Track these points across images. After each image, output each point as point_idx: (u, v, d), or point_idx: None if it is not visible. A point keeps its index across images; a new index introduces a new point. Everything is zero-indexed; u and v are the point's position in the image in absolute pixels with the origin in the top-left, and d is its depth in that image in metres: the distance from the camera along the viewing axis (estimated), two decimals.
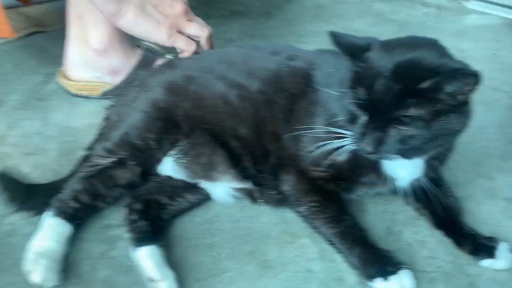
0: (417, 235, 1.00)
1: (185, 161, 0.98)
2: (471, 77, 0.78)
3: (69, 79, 1.36)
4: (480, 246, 0.94)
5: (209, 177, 1.00)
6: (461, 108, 0.83)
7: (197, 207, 1.03)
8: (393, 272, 0.86)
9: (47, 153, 1.16)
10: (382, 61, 0.79)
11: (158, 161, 0.99)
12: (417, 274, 0.89)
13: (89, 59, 1.30)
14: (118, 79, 1.32)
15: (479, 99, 1.48)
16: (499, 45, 1.91)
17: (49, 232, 0.87)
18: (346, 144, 0.85)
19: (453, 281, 0.90)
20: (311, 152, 0.91)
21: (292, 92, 0.97)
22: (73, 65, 1.33)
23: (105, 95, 1.34)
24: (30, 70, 1.51)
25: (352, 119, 0.84)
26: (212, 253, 0.93)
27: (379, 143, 0.80)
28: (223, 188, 1.01)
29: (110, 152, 0.95)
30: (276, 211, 1.03)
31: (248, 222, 1.00)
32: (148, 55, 1.33)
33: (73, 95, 1.38)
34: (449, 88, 0.77)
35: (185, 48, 1.15)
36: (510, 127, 1.38)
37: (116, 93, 1.23)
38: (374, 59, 0.80)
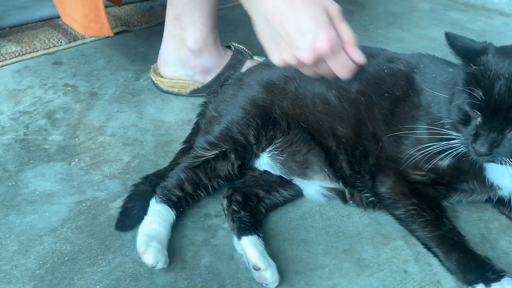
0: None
1: (281, 157, 1.02)
2: None
3: (162, 76, 1.43)
4: None
5: (303, 175, 1.02)
6: None
7: (289, 203, 1.06)
8: (496, 279, 0.84)
9: (144, 144, 1.23)
10: (501, 64, 0.80)
11: (256, 156, 1.02)
12: None
13: (184, 58, 1.36)
14: (208, 78, 1.38)
15: None
16: None
17: (157, 217, 0.93)
18: (455, 146, 0.86)
19: None
20: (412, 155, 0.92)
21: (394, 94, 0.98)
22: (167, 63, 1.40)
23: (194, 92, 1.40)
24: (120, 67, 1.59)
25: (465, 120, 0.84)
26: (308, 248, 0.95)
27: (494, 145, 0.81)
28: (315, 186, 1.04)
29: (213, 145, 1.00)
30: (367, 212, 1.04)
31: (340, 221, 1.02)
32: (237, 56, 1.38)
33: (163, 92, 1.44)
34: None
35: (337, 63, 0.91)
36: None
37: (208, 91, 1.29)
38: (492, 62, 0.81)
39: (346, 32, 0.88)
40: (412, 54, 1.09)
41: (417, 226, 0.94)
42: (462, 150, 0.86)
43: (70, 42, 1.72)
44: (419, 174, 0.94)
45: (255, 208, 0.98)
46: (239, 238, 0.90)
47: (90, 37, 1.74)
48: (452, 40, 0.87)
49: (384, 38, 1.95)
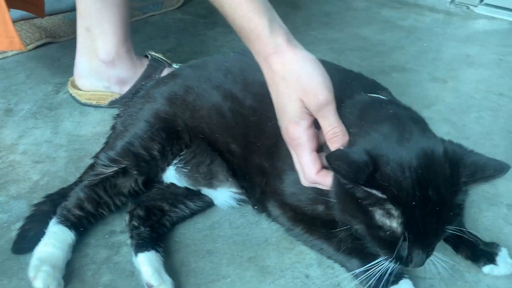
0: None
1: (186, 170, 1.00)
2: (501, 172, 0.76)
3: (79, 89, 1.40)
4: (481, 252, 0.95)
5: (210, 185, 1.02)
6: None
7: (199, 214, 1.05)
8: (394, 282, 0.86)
9: (56, 161, 1.20)
10: (406, 184, 0.71)
11: (162, 170, 1.01)
12: (417, 281, 0.90)
13: (97, 69, 1.33)
14: (125, 89, 1.35)
15: (484, 104, 1.51)
16: (506, 50, 1.91)
17: (53, 239, 0.90)
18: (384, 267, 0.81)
19: (451, 287, 0.91)
20: (294, 193, 0.91)
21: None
22: (82, 75, 1.37)
23: (113, 104, 1.37)
24: (41, 80, 1.55)
25: (388, 245, 0.77)
26: (212, 259, 0.95)
27: (429, 252, 0.78)
28: (225, 193, 1.03)
29: (113, 161, 0.98)
30: None
31: (248, 229, 1.02)
32: (154, 65, 1.36)
33: (82, 104, 1.41)
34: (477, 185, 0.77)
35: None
36: None
37: (122, 103, 1.27)
38: (394, 183, 0.71)
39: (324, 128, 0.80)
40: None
41: (312, 243, 0.94)
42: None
43: None
44: (303, 209, 0.93)
45: (158, 222, 0.96)
46: (135, 254, 0.89)
47: (11, 51, 1.69)
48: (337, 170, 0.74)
49: (316, 39, 1.96)
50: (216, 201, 1.05)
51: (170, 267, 0.91)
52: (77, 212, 0.95)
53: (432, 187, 0.72)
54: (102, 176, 0.97)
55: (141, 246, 0.89)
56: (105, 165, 0.98)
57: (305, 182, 0.85)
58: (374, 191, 0.73)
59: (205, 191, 1.03)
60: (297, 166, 0.85)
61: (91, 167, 1.04)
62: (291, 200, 0.93)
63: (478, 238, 0.97)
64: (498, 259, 0.94)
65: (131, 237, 0.93)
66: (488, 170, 0.75)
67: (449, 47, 1.92)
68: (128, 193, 0.99)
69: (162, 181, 1.03)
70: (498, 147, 1.31)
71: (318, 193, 0.88)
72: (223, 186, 1.02)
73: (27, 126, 1.33)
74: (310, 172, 0.81)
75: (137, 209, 0.97)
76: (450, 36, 2.02)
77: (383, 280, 0.84)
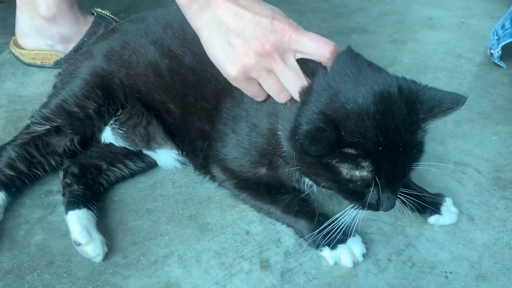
0: None
1: (122, 131, 0.96)
2: (458, 105, 0.76)
3: (22, 48, 1.33)
4: (426, 203, 0.95)
5: (148, 147, 0.98)
6: None
7: (141, 174, 1.02)
8: (342, 241, 0.85)
9: None
10: (373, 134, 0.70)
11: (99, 129, 0.97)
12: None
13: (39, 27, 1.27)
14: (70, 47, 1.29)
15: (441, 65, 1.50)
16: (468, 13, 1.89)
17: None
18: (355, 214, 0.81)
19: (392, 242, 0.90)
20: (236, 157, 0.88)
21: (218, 82, 0.88)
22: (24, 34, 1.30)
23: (58, 64, 1.31)
24: None
25: (357, 195, 0.77)
26: (151, 217, 0.92)
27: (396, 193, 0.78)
28: (166, 156, 1.00)
29: (46, 119, 0.93)
30: None
31: (192, 187, 1.00)
32: (100, 22, 1.30)
33: (26, 64, 1.35)
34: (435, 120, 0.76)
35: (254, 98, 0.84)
36: (470, 93, 1.36)
37: (66, 61, 1.21)
38: (361, 136, 0.70)
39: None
40: None
41: (259, 207, 0.93)
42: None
43: None
44: (246, 174, 0.90)
45: (93, 181, 0.93)
46: (66, 212, 0.86)
47: None
48: (309, 151, 0.71)
49: (311, 8, 1.91)
50: (159, 162, 1.02)
51: (107, 226, 0.89)
52: (9, 172, 0.91)
53: (393, 130, 0.71)
54: (34, 134, 0.93)
55: (72, 204, 0.86)
56: (38, 123, 0.94)
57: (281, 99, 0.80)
58: (345, 150, 0.71)
59: (146, 152, 1.00)
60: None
61: (27, 126, 0.99)
62: (233, 165, 0.90)
63: (424, 190, 0.97)
64: (443, 208, 0.94)
65: (63, 194, 0.89)
66: (445, 103, 0.74)
67: (412, 10, 1.89)
68: (64, 152, 0.95)
69: (100, 141, 0.99)
70: None
71: (261, 155, 0.86)
72: (162, 149, 0.99)
73: None
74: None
75: (72, 166, 0.93)
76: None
77: (331, 239, 0.84)
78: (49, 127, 0.93)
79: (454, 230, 0.94)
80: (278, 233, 0.90)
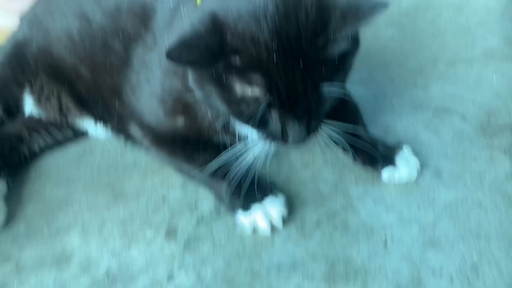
0: (304, 156, 0.85)
1: (38, 101, 0.91)
2: (377, 9, 0.57)
3: None
4: (379, 154, 0.78)
5: (64, 118, 0.92)
6: (356, 36, 0.65)
7: (74, 142, 0.96)
8: (257, 200, 0.73)
9: None
10: (261, 40, 0.56)
11: (20, 99, 0.92)
12: (289, 198, 0.76)
13: (2, 4, 1.25)
14: None
15: (448, 2, 1.26)
16: None
17: None
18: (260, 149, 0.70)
19: (327, 203, 0.76)
20: (152, 109, 0.79)
21: (128, 33, 0.81)
22: None
23: None
24: None
25: (258, 122, 0.63)
26: (69, 186, 0.86)
27: (308, 127, 0.64)
28: (89, 125, 0.93)
29: None
30: None
31: (119, 154, 0.92)
32: None
33: None
34: (352, 30, 0.59)
35: None
36: (477, 29, 1.13)
37: None
38: (247, 43, 0.57)
39: None
40: None
41: (178, 167, 0.83)
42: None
43: None
44: (163, 128, 0.80)
45: (11, 149, 0.89)
46: None
47: None
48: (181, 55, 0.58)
49: None
50: (89, 132, 0.96)
51: (22, 196, 0.85)
52: None
53: (293, 39, 0.57)
54: None
55: None
56: None
57: None
58: (231, 59, 0.58)
59: (71, 121, 0.94)
60: None
61: None
62: (150, 119, 0.81)
63: (379, 140, 0.81)
64: (398, 158, 0.77)
65: None
66: (361, 9, 0.57)
67: None
68: None
69: (24, 111, 0.94)
70: (449, 45, 1.08)
71: (176, 100, 0.76)
72: (79, 119, 0.92)
73: None
74: None
75: None
76: None
77: (246, 197, 0.73)
78: None
79: (411, 188, 0.76)
80: (197, 198, 0.80)
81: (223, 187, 0.76)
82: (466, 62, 1.02)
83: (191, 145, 0.80)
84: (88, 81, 0.86)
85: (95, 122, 0.91)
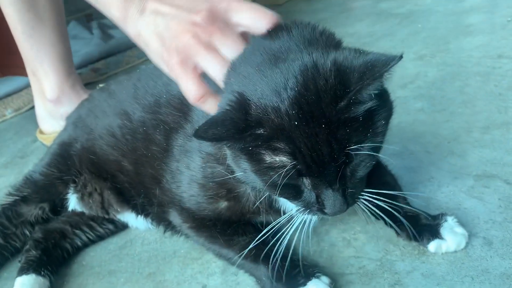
0: (345, 233, 0.83)
1: (81, 198, 0.95)
2: (394, 61, 0.57)
3: (43, 133, 1.44)
4: (423, 227, 0.76)
5: (107, 214, 0.95)
6: (383, 95, 0.64)
7: (114, 234, 0.98)
8: (301, 285, 0.71)
9: None
10: (281, 110, 0.58)
11: (65, 196, 0.96)
12: (333, 278, 0.73)
13: (50, 110, 1.37)
14: None
15: (474, 70, 1.28)
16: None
17: None
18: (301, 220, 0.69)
19: (373, 282, 0.72)
20: (193, 195, 0.81)
21: (168, 124, 0.85)
22: (41, 119, 1.42)
23: None
24: (25, 134, 1.63)
25: (292, 192, 0.65)
26: (111, 279, 0.86)
27: (345, 195, 0.63)
28: (130, 218, 0.96)
29: (16, 190, 0.97)
30: None
31: (159, 244, 0.93)
32: None
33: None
34: (373, 88, 0.58)
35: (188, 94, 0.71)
36: (508, 93, 1.12)
37: None
38: (270, 114, 0.59)
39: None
40: None
41: (217, 252, 0.83)
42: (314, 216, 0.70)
43: None
44: (204, 213, 0.81)
45: (55, 245, 0.91)
46: (16, 278, 0.84)
47: (10, 113, 1.82)
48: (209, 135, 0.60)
49: None
50: (129, 224, 0.98)
51: None
52: None
53: (313, 105, 0.57)
54: (5, 205, 0.96)
55: (22, 270, 0.85)
56: (10, 195, 0.97)
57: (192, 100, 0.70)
58: (256, 131, 0.59)
59: (109, 217, 0.97)
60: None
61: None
62: (190, 204, 0.82)
63: (421, 212, 0.78)
64: (443, 231, 0.74)
65: (19, 261, 0.89)
66: (377, 66, 0.57)
67: (447, 22, 1.69)
68: (36, 221, 0.96)
69: (68, 208, 0.98)
70: (481, 113, 1.08)
71: (218, 185, 0.77)
72: (121, 214, 0.95)
73: None
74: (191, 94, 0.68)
75: (37, 232, 0.93)
76: (452, 10, 1.79)
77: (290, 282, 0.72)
78: (17, 197, 0.95)
79: (462, 259, 0.72)
80: (238, 285, 0.78)
81: (264, 272, 0.74)
82: (502, 127, 1.01)
83: (232, 228, 0.80)
84: (130, 173, 0.90)
85: (136, 215, 0.93)
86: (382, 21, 1.89)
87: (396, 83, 1.30)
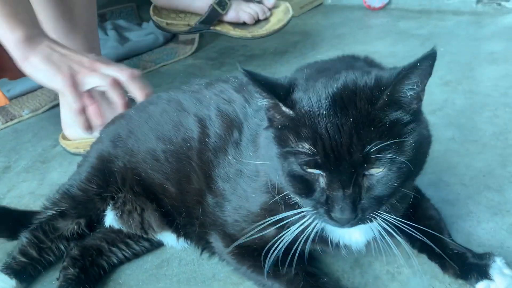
0: (389, 266, 0.84)
1: (120, 215, 0.94)
2: (426, 60, 0.60)
3: (67, 139, 1.43)
4: (471, 266, 0.77)
5: (145, 233, 0.95)
6: (418, 119, 0.66)
7: (150, 252, 0.98)
8: None
9: None
10: (315, 99, 0.63)
11: (102, 212, 0.95)
12: None
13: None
14: None
15: (502, 101, 1.30)
16: None
17: None
18: (308, 223, 0.70)
19: None
20: (238, 221, 0.81)
21: (215, 142, 0.85)
22: (67, 125, 1.40)
23: None
24: (44, 137, 1.61)
25: (305, 189, 0.66)
26: None
27: (356, 203, 0.64)
28: (168, 238, 0.95)
29: (53, 204, 0.96)
30: None
31: (197, 265, 0.92)
32: (132, 105, 1.35)
33: (72, 154, 1.44)
34: (408, 90, 0.61)
35: (73, 103, 1.06)
36: None
37: None
38: (304, 100, 0.63)
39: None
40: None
41: (261, 283, 0.82)
42: (316, 223, 0.70)
43: (6, 122, 1.78)
44: (249, 240, 0.80)
45: (92, 263, 0.90)
46: None
47: (26, 114, 1.80)
48: (254, 77, 0.64)
49: None
50: (165, 243, 0.97)
51: None
52: (21, 258, 0.92)
53: (347, 99, 0.62)
54: (42, 219, 0.95)
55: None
56: (46, 209, 0.96)
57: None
58: (286, 109, 0.64)
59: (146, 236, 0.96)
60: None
61: (39, 213, 1.01)
62: (234, 230, 0.82)
63: (469, 250, 0.79)
64: (492, 271, 0.75)
65: (57, 279, 0.88)
66: (409, 65, 0.60)
67: (470, 47, 1.71)
68: (72, 236, 0.95)
69: (104, 224, 0.97)
70: None
71: (268, 210, 0.76)
72: (159, 235, 0.95)
73: (17, 180, 1.37)
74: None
75: (73, 248, 0.93)
76: (473, 35, 1.81)
77: None
78: (54, 211, 0.94)
79: None
80: None
81: None
82: None
83: (279, 259, 0.79)
84: (173, 195, 0.89)
85: (177, 236, 0.92)
86: (403, 41, 1.90)
87: (425, 109, 1.31)
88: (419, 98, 0.66)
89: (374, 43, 1.96)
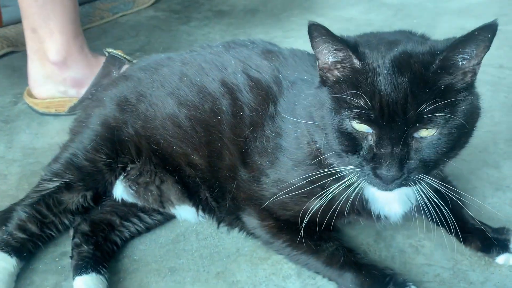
0: (411, 239, 0.87)
1: (134, 189, 0.88)
2: (485, 31, 0.62)
3: (35, 98, 1.28)
4: (491, 240, 0.82)
5: (162, 207, 0.89)
6: (471, 91, 0.68)
7: (162, 226, 0.93)
8: None
9: (7, 178, 1.08)
10: (379, 58, 0.64)
11: (111, 184, 0.88)
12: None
13: (50, 74, 1.22)
14: (83, 91, 1.23)
15: (483, 78, 1.36)
16: (505, 19, 1.75)
17: None
18: (352, 182, 0.70)
19: None
20: (275, 193, 0.78)
21: (250, 115, 0.82)
22: (36, 83, 1.26)
23: (72, 110, 1.25)
24: (1, 92, 1.44)
25: (352, 146, 0.67)
26: (175, 277, 0.82)
27: (403, 162, 0.64)
28: (185, 212, 0.91)
29: (56, 175, 0.86)
30: None
31: (217, 239, 0.89)
32: (112, 62, 1.24)
33: (41, 114, 1.30)
34: (461, 59, 0.63)
35: None
36: None
37: (82, 107, 1.15)
38: (370, 56, 0.65)
39: None
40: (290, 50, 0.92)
41: (297, 257, 0.81)
42: (359, 184, 0.70)
43: None
44: (287, 214, 0.80)
45: (105, 239, 0.84)
46: (73, 278, 0.77)
47: None
48: (326, 30, 0.65)
49: (297, 25, 1.83)
50: (178, 217, 0.93)
51: None
52: (19, 234, 0.83)
53: (404, 62, 0.64)
54: (44, 192, 0.85)
55: (80, 267, 0.78)
56: (48, 180, 0.87)
57: None
58: (356, 60, 0.65)
59: (161, 210, 0.91)
60: None
61: (37, 184, 0.92)
62: (273, 204, 0.80)
63: (487, 225, 0.85)
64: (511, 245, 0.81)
65: (71, 257, 0.81)
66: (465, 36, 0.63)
67: (441, 21, 1.77)
68: (77, 209, 0.87)
69: (113, 196, 0.90)
70: (500, 124, 1.17)
71: (314, 182, 0.75)
72: (177, 208, 0.90)
73: None
74: None
75: (82, 224, 0.85)
76: (443, 9, 1.88)
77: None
78: (59, 183, 0.86)
79: None
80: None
81: (352, 279, 0.76)
82: None
83: (317, 234, 0.79)
84: (202, 168, 0.85)
85: (197, 210, 0.88)
86: (376, 10, 1.92)
87: None
88: (474, 71, 0.67)
89: (347, 8, 1.96)
